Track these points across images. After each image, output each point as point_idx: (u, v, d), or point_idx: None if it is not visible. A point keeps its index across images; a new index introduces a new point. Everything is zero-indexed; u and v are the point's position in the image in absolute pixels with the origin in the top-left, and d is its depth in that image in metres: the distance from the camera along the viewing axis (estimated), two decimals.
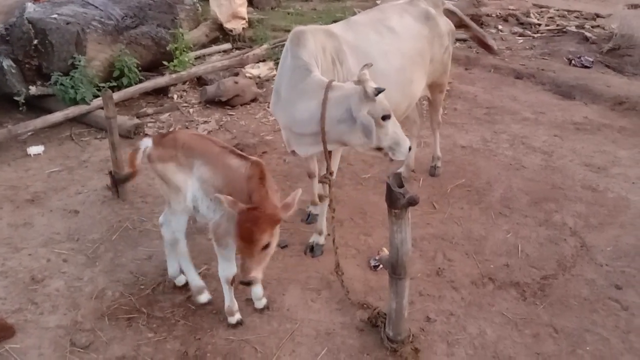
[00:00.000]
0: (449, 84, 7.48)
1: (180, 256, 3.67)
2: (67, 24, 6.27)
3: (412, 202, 2.81)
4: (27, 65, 6.18)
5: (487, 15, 10.92)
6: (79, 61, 6.21)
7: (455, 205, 4.81)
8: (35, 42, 6.11)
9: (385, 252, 3.90)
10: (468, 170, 5.33)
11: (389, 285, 3.16)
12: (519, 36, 9.83)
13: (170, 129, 6.26)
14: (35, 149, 5.69)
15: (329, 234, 4.33)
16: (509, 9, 11.25)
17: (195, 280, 3.69)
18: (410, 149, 3.50)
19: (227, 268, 3.33)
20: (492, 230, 4.48)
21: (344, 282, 3.70)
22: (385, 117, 3.28)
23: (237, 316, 3.50)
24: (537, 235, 4.40)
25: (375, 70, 3.95)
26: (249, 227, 2.81)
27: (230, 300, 3.46)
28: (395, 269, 3.05)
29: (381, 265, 3.85)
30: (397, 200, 2.82)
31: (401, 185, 2.85)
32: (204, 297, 3.69)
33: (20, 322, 3.55)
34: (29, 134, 5.97)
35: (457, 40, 9.61)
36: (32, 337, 3.43)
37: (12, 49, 6.10)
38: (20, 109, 6.26)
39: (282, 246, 4.26)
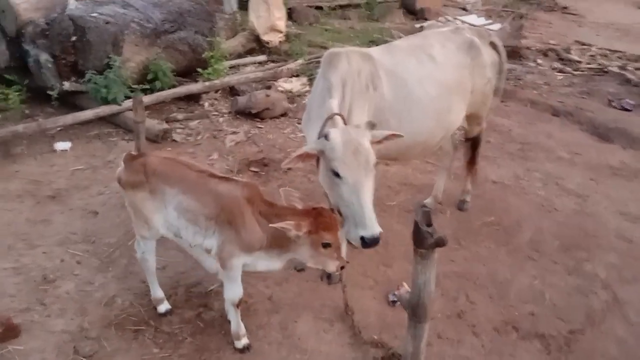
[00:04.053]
0: None
1: (147, 271, 3.58)
2: (107, 23, 6.30)
3: (441, 243, 2.66)
4: (63, 61, 6.20)
5: (527, 48, 10.73)
6: (115, 61, 6.22)
7: (481, 243, 4.63)
8: (74, 38, 6.14)
9: (406, 287, 3.74)
10: (498, 207, 5.15)
11: (408, 327, 3.00)
12: (559, 72, 9.61)
13: (198, 137, 6.22)
14: (62, 145, 5.70)
15: (348, 262, 4.19)
16: (550, 44, 11.05)
17: (156, 292, 3.63)
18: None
19: (234, 290, 3.22)
20: (519, 274, 4.28)
21: (354, 321, 3.59)
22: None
23: (245, 340, 3.38)
24: (566, 284, 4.19)
25: (411, 97, 3.86)
26: (327, 219, 2.95)
27: (236, 324, 3.34)
28: (415, 311, 2.89)
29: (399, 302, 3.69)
30: (424, 240, 2.67)
31: (429, 224, 2.70)
32: (163, 307, 3.63)
33: (27, 322, 3.49)
34: (58, 129, 5.98)
35: None
36: (36, 340, 3.36)
37: (51, 44, 6.13)
38: (53, 103, 6.30)
39: (299, 269, 4.14)
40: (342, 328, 3.64)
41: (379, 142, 3.18)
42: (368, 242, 3.01)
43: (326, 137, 3.00)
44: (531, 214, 5.08)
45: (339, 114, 3.33)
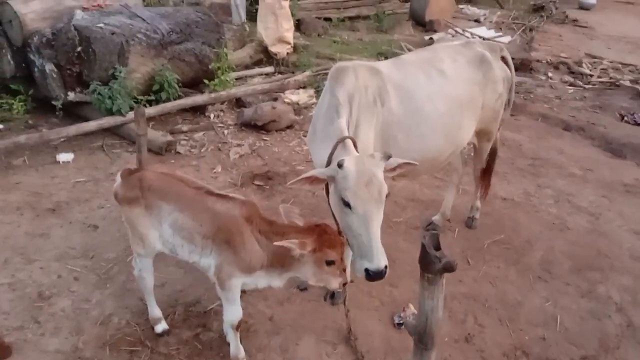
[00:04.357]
0: None
1: (144, 289, 3.48)
2: (112, 34, 6.25)
3: (449, 268, 2.53)
4: (68, 71, 6.15)
5: (538, 61, 10.59)
6: (120, 72, 6.16)
7: (491, 263, 4.49)
8: (79, 49, 6.10)
9: (412, 308, 3.60)
10: (507, 226, 5.00)
11: (413, 354, 2.86)
12: (569, 85, 9.46)
13: (202, 149, 6.13)
14: (64, 157, 5.62)
15: (352, 281, 4.07)
16: (561, 57, 10.91)
17: (154, 312, 3.54)
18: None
19: (233, 312, 3.11)
20: (529, 295, 4.13)
21: (358, 345, 3.48)
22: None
23: None
24: (579, 308, 4.04)
25: (420, 113, 3.75)
26: (330, 236, 2.90)
27: (235, 347, 3.22)
28: (422, 338, 2.75)
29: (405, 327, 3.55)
30: (431, 265, 2.54)
31: (438, 247, 2.58)
32: (160, 327, 3.53)
33: (20, 341, 3.39)
34: (61, 140, 5.92)
35: None
36: None
37: (56, 54, 6.08)
38: (57, 114, 6.25)
39: (301, 289, 4.02)
40: (345, 351, 3.51)
41: (392, 170, 3.05)
42: (372, 275, 2.88)
43: (339, 165, 2.88)
44: (542, 232, 4.93)
45: (350, 137, 3.22)
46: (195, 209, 3.02)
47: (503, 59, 4.34)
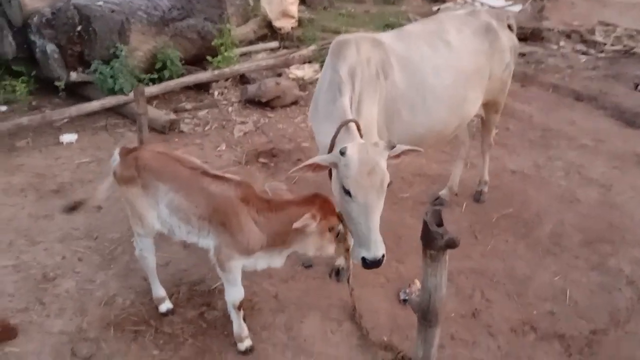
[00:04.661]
0: None
1: (147, 269, 3.46)
2: (112, 12, 6.16)
3: (452, 244, 2.47)
4: (69, 51, 6.08)
5: (549, 30, 10.32)
6: (121, 51, 6.09)
7: (499, 237, 4.41)
8: (79, 28, 6.02)
9: (417, 284, 3.57)
10: (516, 199, 4.91)
11: (418, 331, 2.82)
12: (582, 54, 9.22)
13: (206, 128, 6.07)
14: (68, 137, 5.60)
15: None
16: (573, 25, 10.62)
17: (158, 291, 3.51)
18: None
19: (235, 292, 3.08)
20: (538, 270, 4.06)
21: (363, 322, 3.45)
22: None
23: (247, 342, 3.24)
24: (589, 281, 3.96)
25: (425, 86, 3.65)
26: (327, 203, 2.90)
27: (239, 326, 3.19)
28: (425, 315, 2.71)
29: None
30: (434, 241, 2.48)
31: (440, 223, 2.51)
32: (164, 307, 3.51)
33: (25, 322, 3.39)
34: (64, 121, 5.88)
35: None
36: (33, 342, 3.26)
37: (56, 34, 6.00)
38: (60, 94, 6.21)
39: (306, 266, 3.98)
40: (351, 329, 3.47)
41: (397, 156, 2.98)
42: (369, 264, 2.89)
43: (342, 152, 2.81)
44: (552, 205, 4.83)
45: (354, 120, 3.13)
46: (190, 190, 2.97)
47: (510, 27, 4.20)
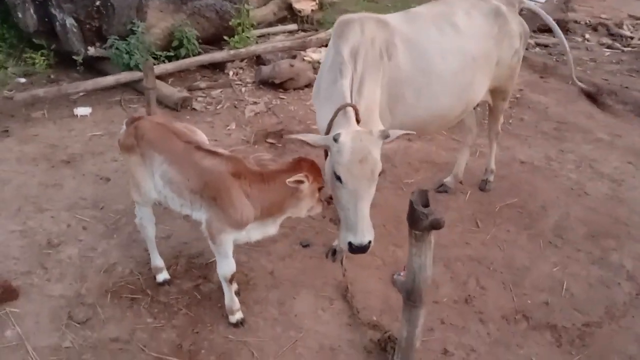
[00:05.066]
0: (519, 91, 7.00)
1: (146, 238, 3.54)
2: None
3: (436, 225, 2.47)
4: (87, 26, 6.18)
5: (575, 21, 10.14)
6: (138, 27, 6.16)
7: (501, 226, 4.38)
8: (98, 3, 6.10)
9: None
10: (523, 190, 4.85)
11: (403, 311, 2.83)
12: (607, 48, 9.03)
13: (218, 106, 6.12)
14: (82, 110, 5.70)
15: None
16: (600, 18, 10.40)
17: (156, 261, 3.59)
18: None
19: (226, 265, 3.11)
20: (538, 261, 4.03)
21: (354, 301, 3.48)
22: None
23: (238, 315, 3.29)
24: (588, 274, 3.92)
25: (430, 69, 3.63)
26: (313, 164, 2.96)
27: (230, 299, 3.25)
28: (410, 295, 2.72)
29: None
30: (419, 221, 2.48)
31: (426, 204, 2.51)
32: (161, 277, 3.58)
33: (26, 285, 3.50)
34: (81, 94, 5.99)
35: (537, 45, 8.98)
36: (33, 303, 3.37)
37: (75, 8, 6.10)
38: (78, 68, 6.32)
39: (304, 245, 4.02)
40: (342, 307, 3.50)
41: (390, 141, 3.01)
42: (354, 249, 2.96)
43: (335, 139, 2.84)
44: (559, 197, 4.77)
45: (352, 105, 3.14)
46: (182, 163, 3.01)
47: (530, 11, 4.14)
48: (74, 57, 6.24)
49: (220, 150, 3.10)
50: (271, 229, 3.13)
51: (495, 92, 4.24)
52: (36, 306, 3.34)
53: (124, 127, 3.31)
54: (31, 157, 4.85)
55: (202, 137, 3.32)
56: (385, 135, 2.91)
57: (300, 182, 2.85)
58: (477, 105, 4.38)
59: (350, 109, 3.12)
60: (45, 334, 3.16)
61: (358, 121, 3.13)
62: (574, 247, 4.19)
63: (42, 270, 3.63)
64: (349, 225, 2.93)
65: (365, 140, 2.86)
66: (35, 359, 3.00)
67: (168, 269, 3.68)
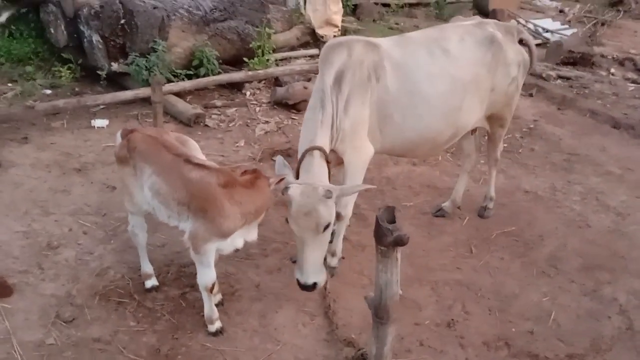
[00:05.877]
0: (534, 121, 6.96)
1: (137, 245, 3.66)
2: (154, 8, 6.51)
3: (400, 242, 2.51)
4: (112, 43, 6.47)
5: (602, 56, 10.01)
6: (159, 45, 6.41)
7: (495, 253, 4.35)
8: (123, 21, 6.39)
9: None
10: (522, 219, 4.81)
11: (372, 328, 2.86)
12: (631, 82, 8.88)
13: (231, 124, 6.29)
14: (100, 122, 5.94)
15: (343, 257, 4.09)
16: (629, 52, 10.26)
17: (145, 268, 3.71)
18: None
19: (207, 275, 3.19)
20: (528, 289, 3.98)
21: (334, 318, 3.55)
22: None
23: (217, 324, 3.36)
24: (578, 306, 3.85)
25: (418, 92, 3.71)
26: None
27: (209, 309, 3.32)
28: (377, 312, 2.75)
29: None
30: (384, 237, 2.53)
31: (392, 221, 2.56)
32: (150, 283, 3.70)
33: (22, 283, 3.65)
34: (100, 107, 6.25)
35: (560, 77, 8.91)
36: (25, 300, 3.51)
37: (102, 26, 6.40)
38: (102, 83, 6.60)
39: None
40: (322, 323, 3.54)
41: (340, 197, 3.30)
42: (301, 287, 3.32)
43: (285, 189, 3.15)
44: (558, 228, 4.70)
45: (319, 148, 3.35)
46: (170, 175, 3.11)
47: (523, 42, 4.18)
48: (98, 72, 6.52)
49: (208, 162, 3.22)
50: (253, 233, 3.26)
51: (492, 119, 4.26)
52: (27, 303, 3.49)
53: (119, 138, 3.46)
54: (45, 164, 5.08)
55: (194, 147, 3.46)
56: (328, 196, 3.13)
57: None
58: (475, 131, 4.43)
59: (317, 152, 3.34)
60: (32, 330, 3.30)
61: (328, 162, 3.38)
62: (567, 277, 4.13)
63: (38, 270, 3.79)
64: (299, 264, 3.26)
65: (311, 196, 3.12)
66: (19, 353, 3.13)
67: (158, 276, 3.79)
